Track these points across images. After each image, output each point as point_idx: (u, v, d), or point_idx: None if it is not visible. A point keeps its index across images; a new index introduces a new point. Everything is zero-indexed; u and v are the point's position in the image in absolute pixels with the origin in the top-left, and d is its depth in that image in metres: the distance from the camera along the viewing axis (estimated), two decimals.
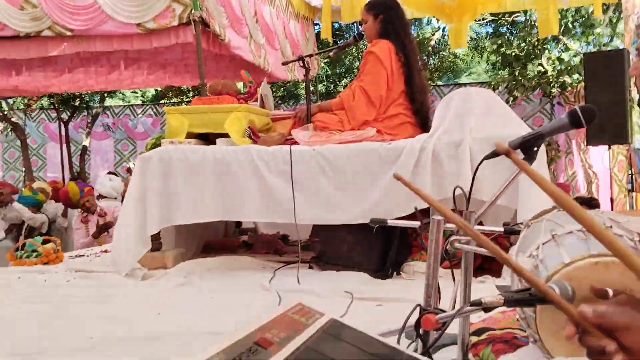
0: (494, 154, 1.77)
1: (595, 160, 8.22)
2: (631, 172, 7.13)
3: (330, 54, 4.39)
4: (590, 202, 6.35)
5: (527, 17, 10.17)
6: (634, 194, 7.05)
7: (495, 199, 1.88)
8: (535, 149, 1.78)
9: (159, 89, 14.55)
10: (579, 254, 1.39)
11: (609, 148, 6.66)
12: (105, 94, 14.10)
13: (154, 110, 12.08)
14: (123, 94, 16.98)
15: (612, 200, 6.68)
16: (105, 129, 11.82)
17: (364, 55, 3.96)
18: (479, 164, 1.80)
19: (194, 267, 3.69)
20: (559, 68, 8.88)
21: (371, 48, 3.89)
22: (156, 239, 3.81)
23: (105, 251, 4.40)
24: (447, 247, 1.73)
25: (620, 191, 7.39)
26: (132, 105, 13.00)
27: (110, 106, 12.80)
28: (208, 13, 5.58)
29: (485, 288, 2.87)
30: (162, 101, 14.34)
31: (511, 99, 8.84)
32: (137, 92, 17.16)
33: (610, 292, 1.31)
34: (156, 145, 4.08)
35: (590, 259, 1.37)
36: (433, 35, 14.12)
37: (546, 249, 1.49)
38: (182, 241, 4.10)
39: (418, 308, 1.55)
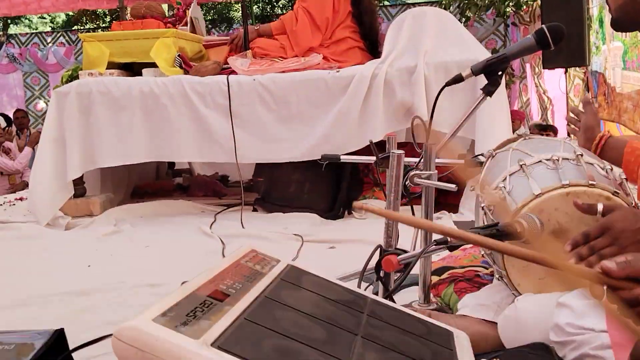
0: (457, 80, 1.76)
1: (551, 85, 8.39)
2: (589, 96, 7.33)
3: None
4: (549, 128, 6.54)
5: None
6: None
7: (456, 130, 1.87)
8: (499, 73, 1.77)
9: (71, 13, 13.85)
10: (549, 185, 1.41)
11: (566, 71, 6.80)
12: (9, 21, 13.33)
13: (66, 37, 11.49)
14: (30, 20, 16.11)
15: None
16: (12, 61, 11.22)
17: None
18: (440, 92, 1.78)
19: (124, 214, 3.62)
20: None
21: None
22: (79, 184, 3.70)
23: (21, 199, 4.24)
24: (407, 183, 1.72)
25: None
26: (40, 32, 12.33)
27: (15, 34, 12.12)
28: None
29: (443, 224, 2.93)
30: (75, 27, 13.69)
31: (463, 19, 8.84)
32: (45, 18, 16.32)
33: (600, 207, 1.34)
34: (73, 77, 3.90)
35: (561, 190, 1.40)
36: None
37: (514, 180, 1.50)
38: (109, 185, 4.00)
39: (378, 250, 1.56)
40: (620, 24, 1.57)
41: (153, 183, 4.60)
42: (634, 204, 1.42)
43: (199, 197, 4.14)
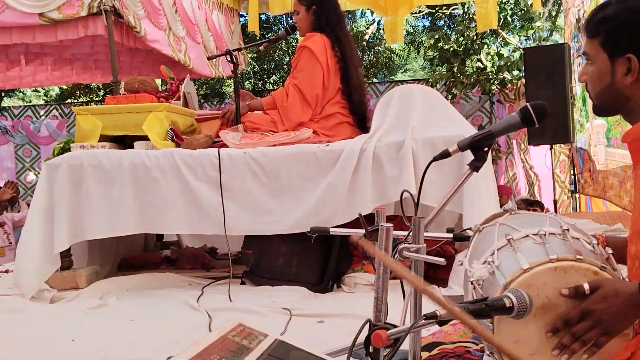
0: (444, 155, 1.79)
1: (537, 160, 8.53)
2: (574, 172, 7.44)
3: (260, 47, 4.36)
4: (536, 204, 6.60)
5: (465, 10, 10.48)
6: (577, 195, 7.36)
7: (444, 204, 1.89)
8: (485, 149, 1.81)
9: (65, 87, 14.08)
10: (537, 259, 1.42)
11: (551, 148, 6.94)
12: (3, 94, 13.51)
13: (60, 111, 11.63)
14: (23, 93, 16.33)
15: (555, 202, 6.95)
16: (4, 133, 11.30)
17: (297, 50, 3.95)
18: (427, 167, 1.81)
19: (110, 287, 3.57)
20: (498, 64, 9.17)
21: (305, 42, 3.88)
22: (66, 256, 3.66)
23: (7, 271, 4.19)
24: (396, 257, 1.72)
25: (563, 192, 7.71)
26: (34, 105, 12.49)
27: (9, 107, 12.26)
28: (121, 2, 5.43)
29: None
30: (69, 101, 13.88)
31: (450, 97, 9.06)
32: (39, 91, 16.56)
33: (586, 286, 1.35)
34: (65, 150, 3.93)
35: (549, 264, 1.40)
36: (367, 29, 14.33)
37: (502, 255, 1.51)
38: (96, 258, 3.96)
39: (368, 324, 1.55)
40: (601, 110, 1.64)
41: (140, 255, 4.57)
42: (622, 279, 1.43)
43: (186, 270, 4.11)
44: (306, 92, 3.78)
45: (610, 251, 1.52)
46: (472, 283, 1.56)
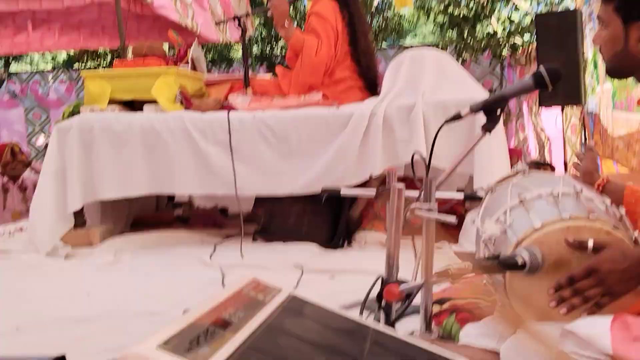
0: (456, 117, 1.79)
1: (547, 123, 8.47)
2: (584, 135, 7.39)
3: (268, 13, 4.29)
4: (546, 166, 6.58)
5: None
6: None
7: (456, 166, 1.88)
8: (498, 111, 1.80)
9: (72, 52, 13.98)
10: (550, 218, 1.42)
11: (562, 110, 6.87)
12: (11, 59, 13.45)
13: (67, 75, 11.58)
14: (31, 59, 16.24)
15: (565, 164, 6.92)
16: (12, 97, 11.29)
17: (308, 17, 3.91)
18: (440, 128, 1.80)
19: (123, 244, 3.61)
20: (509, 29, 9.06)
21: (314, 8, 3.83)
22: (79, 215, 3.69)
23: (21, 229, 4.21)
24: (407, 215, 1.73)
25: (574, 154, 7.66)
26: (41, 71, 12.45)
27: (17, 72, 12.21)
28: None
29: (443, 254, 2.91)
30: (76, 66, 13.80)
31: (460, 61, 8.98)
32: (46, 57, 16.47)
33: (591, 243, 1.35)
34: (74, 113, 3.91)
35: (562, 223, 1.40)
36: None
37: (515, 214, 1.51)
38: (109, 217, 3.97)
39: (380, 280, 1.57)
40: (614, 72, 1.64)
41: (153, 214, 4.58)
42: (634, 238, 1.43)
43: (198, 228, 4.11)
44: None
45: (623, 211, 1.52)
46: (484, 241, 1.57)
